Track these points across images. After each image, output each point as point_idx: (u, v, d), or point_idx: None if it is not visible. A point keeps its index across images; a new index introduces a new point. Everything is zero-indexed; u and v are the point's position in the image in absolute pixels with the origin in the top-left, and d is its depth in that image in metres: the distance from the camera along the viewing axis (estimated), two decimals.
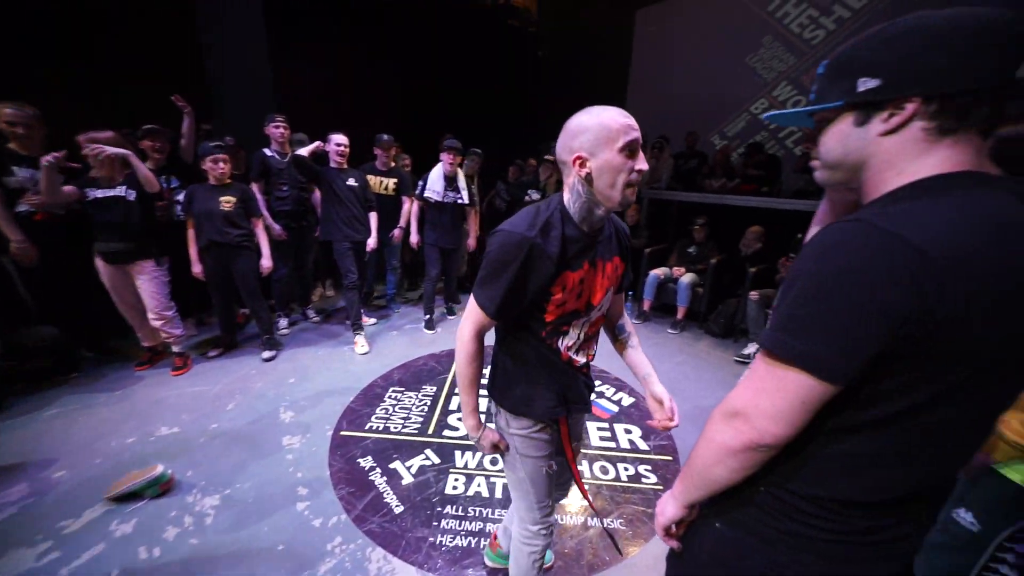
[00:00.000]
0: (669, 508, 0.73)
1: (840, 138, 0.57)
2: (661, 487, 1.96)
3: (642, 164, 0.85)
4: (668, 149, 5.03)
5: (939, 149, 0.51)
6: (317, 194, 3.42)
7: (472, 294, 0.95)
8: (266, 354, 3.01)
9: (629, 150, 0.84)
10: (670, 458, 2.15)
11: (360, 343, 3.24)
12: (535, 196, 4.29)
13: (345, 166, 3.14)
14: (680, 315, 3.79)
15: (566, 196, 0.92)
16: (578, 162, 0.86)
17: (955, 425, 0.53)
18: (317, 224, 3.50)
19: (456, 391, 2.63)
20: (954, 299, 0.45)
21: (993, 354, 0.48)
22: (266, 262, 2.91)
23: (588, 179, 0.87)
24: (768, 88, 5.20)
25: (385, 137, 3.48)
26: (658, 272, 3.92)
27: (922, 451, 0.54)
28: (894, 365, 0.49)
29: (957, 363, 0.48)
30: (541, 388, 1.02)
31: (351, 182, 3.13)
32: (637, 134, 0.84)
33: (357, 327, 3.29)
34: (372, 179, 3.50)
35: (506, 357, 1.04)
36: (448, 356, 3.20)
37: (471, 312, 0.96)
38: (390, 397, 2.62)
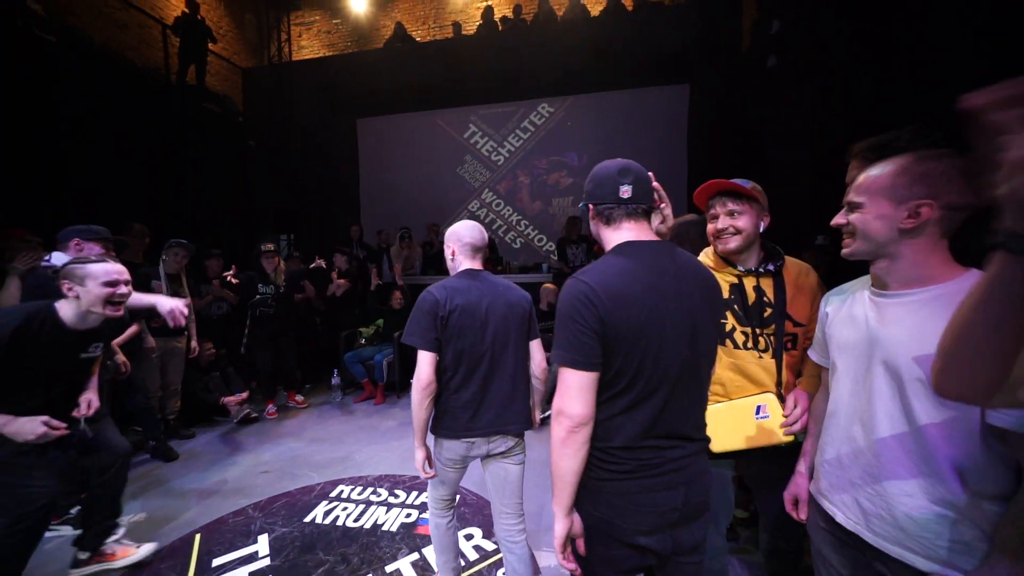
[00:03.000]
0: (557, 526, 0.92)
1: (591, 219, 1.04)
2: None
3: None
4: (415, 239, 5.43)
5: (613, 230, 1.00)
6: None
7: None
8: None
9: None
10: None
11: None
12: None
13: None
14: None
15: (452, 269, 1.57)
16: (451, 251, 1.54)
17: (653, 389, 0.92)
18: None
19: None
20: (612, 316, 0.86)
21: (643, 339, 0.88)
22: None
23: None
24: (477, 192, 6.57)
25: None
26: None
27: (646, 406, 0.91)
28: (608, 357, 0.88)
29: (626, 351, 0.88)
30: None
31: None
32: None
33: None
34: None
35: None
36: None
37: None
38: None
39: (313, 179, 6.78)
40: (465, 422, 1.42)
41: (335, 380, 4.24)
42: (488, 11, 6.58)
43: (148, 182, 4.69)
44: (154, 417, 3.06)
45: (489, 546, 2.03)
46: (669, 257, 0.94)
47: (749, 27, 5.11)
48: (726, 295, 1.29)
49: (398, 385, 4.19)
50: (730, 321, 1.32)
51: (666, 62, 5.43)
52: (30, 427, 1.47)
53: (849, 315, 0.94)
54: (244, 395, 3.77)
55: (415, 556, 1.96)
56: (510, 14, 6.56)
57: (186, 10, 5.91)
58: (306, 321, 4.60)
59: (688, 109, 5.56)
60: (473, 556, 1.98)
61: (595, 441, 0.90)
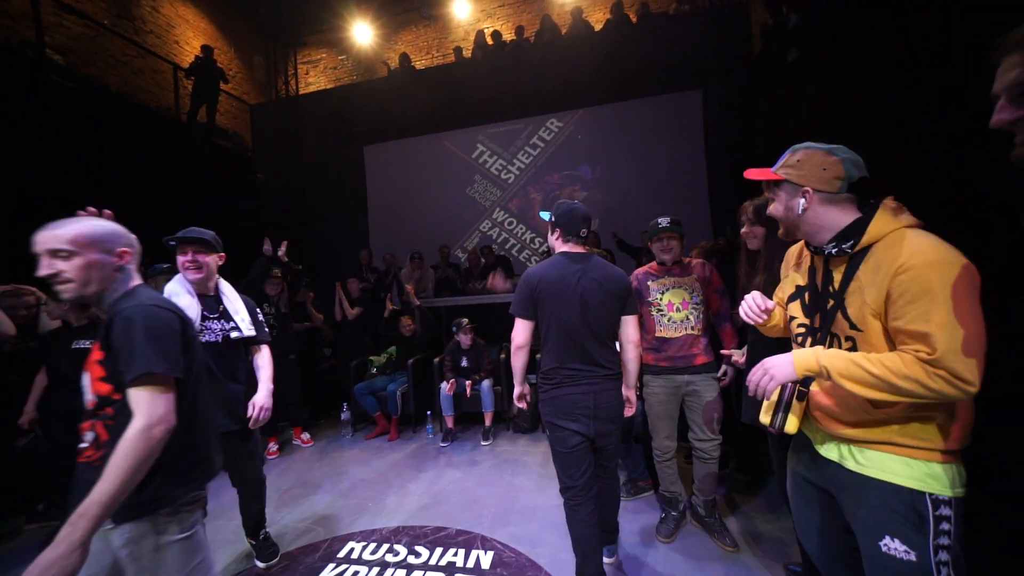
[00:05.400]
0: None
1: (554, 237, 1.77)
2: None
3: None
4: (424, 261, 5.18)
5: (562, 245, 1.74)
6: None
7: None
8: None
9: None
10: None
11: None
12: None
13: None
14: (488, 421, 3.52)
15: None
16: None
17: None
18: None
19: None
20: (540, 290, 1.66)
21: (552, 307, 1.66)
22: None
23: None
24: (488, 212, 6.39)
25: None
26: (446, 385, 3.53)
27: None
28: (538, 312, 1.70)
29: (544, 308, 1.68)
30: None
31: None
32: None
33: None
34: None
35: None
36: None
37: None
38: None
39: (323, 207, 6.68)
40: None
41: (344, 415, 3.89)
42: (479, 34, 6.57)
43: (160, 215, 4.59)
44: None
45: None
46: (581, 261, 1.66)
47: (759, 30, 4.98)
48: (804, 282, 1.11)
49: (414, 418, 3.82)
50: (788, 312, 1.16)
51: (675, 70, 5.30)
52: None
53: None
54: None
55: None
56: (512, 36, 6.58)
57: (200, 55, 6.06)
58: (312, 351, 4.32)
59: (703, 113, 5.38)
60: None
61: (540, 367, 1.71)
